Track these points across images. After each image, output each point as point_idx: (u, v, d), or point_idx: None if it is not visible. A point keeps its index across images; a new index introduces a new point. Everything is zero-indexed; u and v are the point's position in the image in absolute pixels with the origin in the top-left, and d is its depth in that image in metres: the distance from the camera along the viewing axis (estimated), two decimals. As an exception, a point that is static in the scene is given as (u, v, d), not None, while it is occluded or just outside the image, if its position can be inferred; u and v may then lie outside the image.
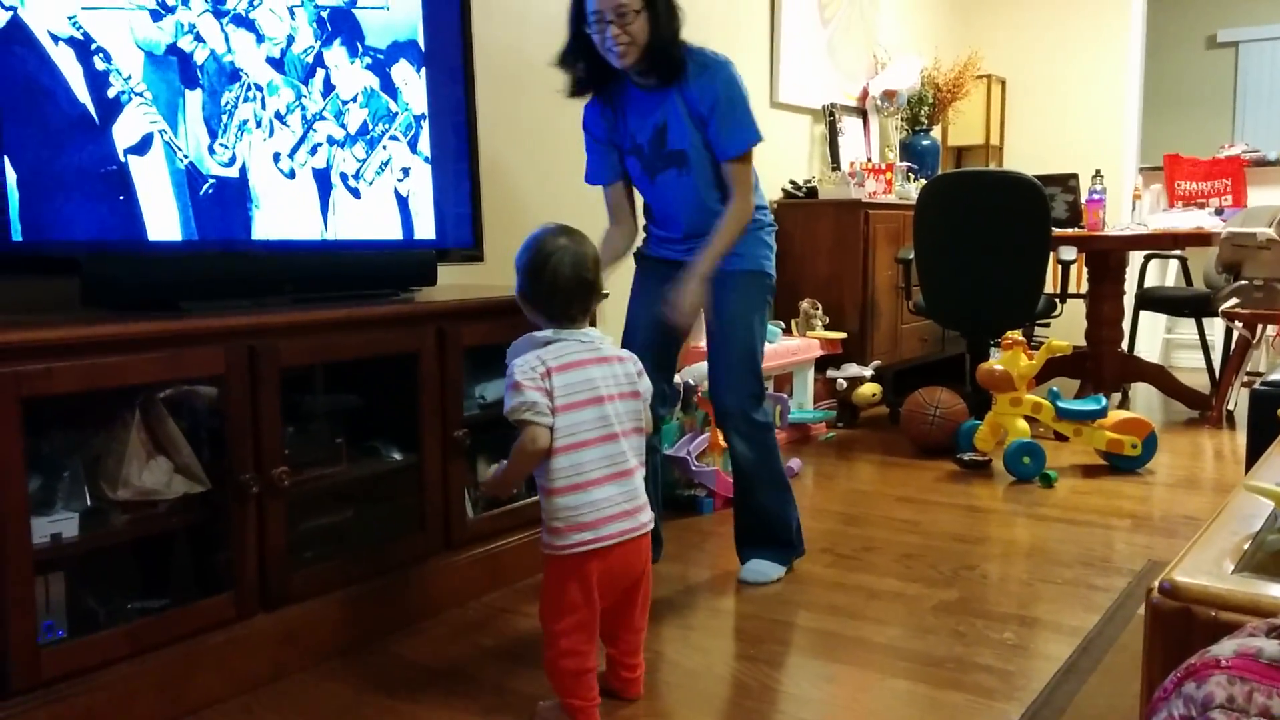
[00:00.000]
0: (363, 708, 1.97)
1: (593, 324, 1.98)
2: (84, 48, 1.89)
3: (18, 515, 1.68)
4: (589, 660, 1.84)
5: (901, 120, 5.76)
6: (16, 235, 1.84)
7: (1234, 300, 4.28)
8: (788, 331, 4.39)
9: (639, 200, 2.69)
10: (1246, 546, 1.29)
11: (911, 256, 4.27)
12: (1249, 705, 0.89)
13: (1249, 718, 0.89)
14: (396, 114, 2.46)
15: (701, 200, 2.52)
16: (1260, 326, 4.33)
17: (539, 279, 1.88)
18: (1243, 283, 4.29)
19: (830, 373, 4.47)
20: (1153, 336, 6.31)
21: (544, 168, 3.49)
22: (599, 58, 2.40)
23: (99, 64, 1.91)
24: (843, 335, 4.47)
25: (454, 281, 2.84)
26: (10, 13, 1.80)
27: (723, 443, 3.28)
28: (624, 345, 2.60)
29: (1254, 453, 2.15)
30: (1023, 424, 3.72)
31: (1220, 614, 1.10)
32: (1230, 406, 4.68)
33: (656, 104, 2.47)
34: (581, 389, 1.83)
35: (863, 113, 5.47)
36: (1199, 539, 1.33)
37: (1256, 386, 2.30)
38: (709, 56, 2.45)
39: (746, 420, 2.57)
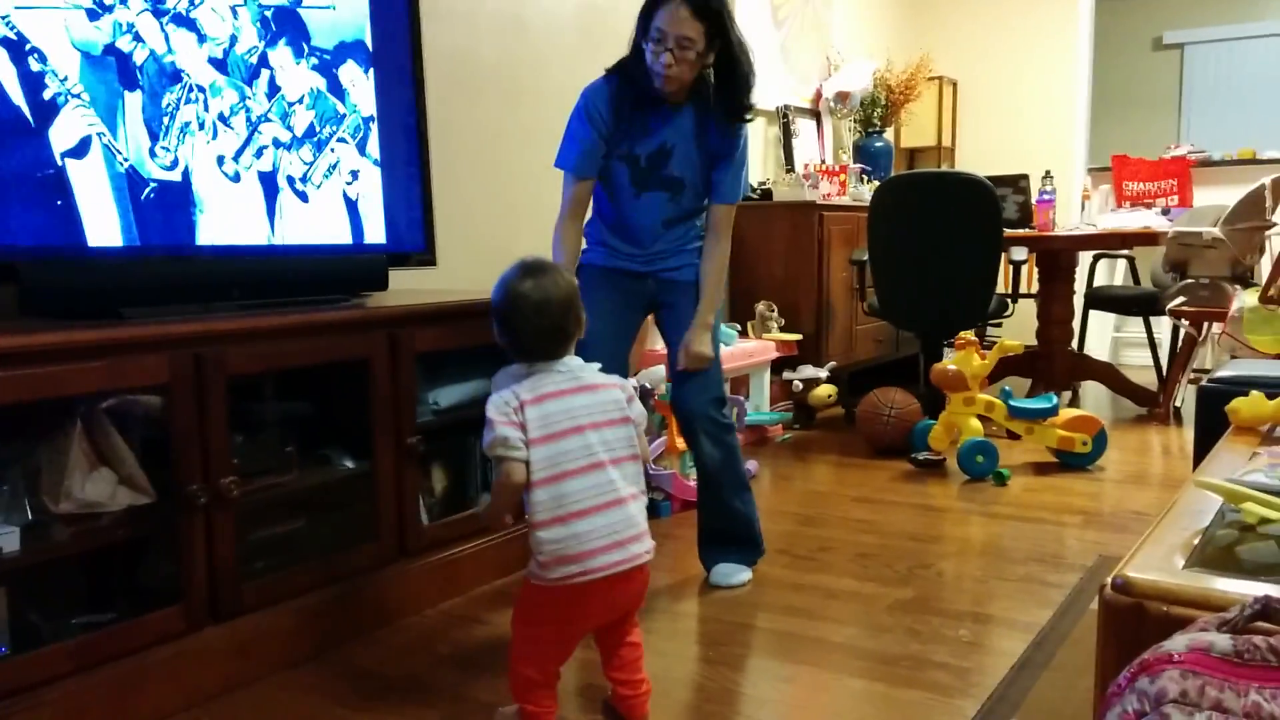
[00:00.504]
0: (318, 719, 1.94)
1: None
2: (18, 48, 1.84)
3: (-46, 530, 1.63)
4: (546, 675, 1.80)
5: (855, 122, 5.80)
6: (-48, 242, 1.79)
7: (1181, 299, 4.35)
8: (744, 334, 4.39)
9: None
10: (1196, 542, 1.30)
11: (866, 258, 4.29)
12: (1201, 699, 0.90)
13: (1202, 711, 0.89)
14: (344, 116, 2.43)
15: (676, 226, 2.55)
16: (1206, 324, 4.40)
17: (507, 326, 1.83)
18: (1189, 281, 4.36)
19: (786, 374, 4.48)
20: (1102, 335, 6.40)
21: (497, 171, 3.47)
22: (643, 67, 2.39)
23: (34, 65, 1.86)
24: (798, 337, 4.48)
25: (406, 286, 2.80)
26: (-58, 13, 1.75)
27: (680, 446, 3.28)
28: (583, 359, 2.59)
29: (1202, 448, 2.18)
30: (976, 423, 3.75)
31: (1172, 609, 1.11)
32: (1177, 403, 4.76)
33: (669, 123, 2.46)
34: (560, 419, 1.77)
35: (816, 114, 5.50)
36: (1150, 535, 1.33)
37: (1203, 383, 2.32)
38: None
39: (711, 421, 2.58)
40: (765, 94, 5.04)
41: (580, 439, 1.77)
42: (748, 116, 2.51)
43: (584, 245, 2.62)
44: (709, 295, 2.57)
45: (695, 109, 2.48)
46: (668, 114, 2.46)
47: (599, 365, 1.89)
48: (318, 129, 2.36)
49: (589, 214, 2.60)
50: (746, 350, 4.11)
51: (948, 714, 1.91)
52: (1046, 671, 2.07)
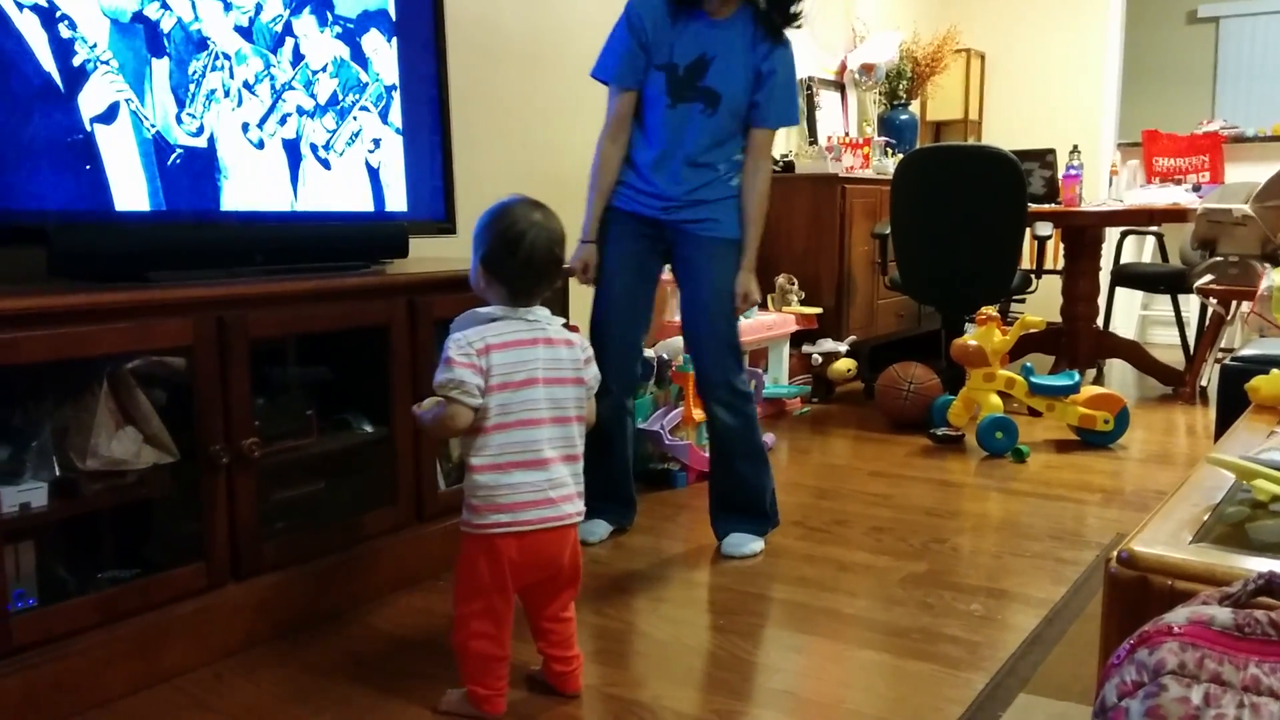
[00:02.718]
0: (335, 677, 1.98)
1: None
2: (49, 15, 1.86)
3: (-17, 485, 1.67)
4: (500, 647, 1.80)
5: (879, 94, 5.75)
6: (-17, 204, 1.82)
7: (1209, 276, 4.31)
8: (763, 306, 4.39)
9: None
10: (1206, 518, 1.30)
11: (888, 232, 4.28)
12: (1200, 671, 0.91)
13: (1200, 684, 0.90)
14: (367, 84, 2.44)
15: (707, 148, 2.49)
16: (1234, 303, 4.36)
17: (511, 255, 1.78)
18: (1218, 259, 4.31)
19: (806, 348, 4.48)
20: (1128, 313, 6.35)
21: (517, 140, 3.47)
22: None
23: (64, 31, 1.88)
24: (818, 310, 4.47)
25: (426, 254, 2.82)
26: (-28, -23, 1.77)
27: (697, 416, 3.29)
28: (601, 312, 2.60)
29: (1223, 427, 2.17)
30: (996, 399, 3.74)
31: (1176, 583, 1.12)
32: (1204, 383, 4.72)
33: (714, 35, 2.44)
34: (520, 369, 1.76)
35: (841, 86, 5.46)
36: (1160, 510, 1.34)
37: (1226, 362, 2.31)
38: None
39: (729, 389, 2.58)
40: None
41: (534, 392, 1.78)
42: (796, 23, 2.47)
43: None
44: (753, 235, 2.55)
45: (742, 22, 2.44)
46: (713, 25, 2.43)
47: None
48: (340, 97, 2.37)
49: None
50: (766, 323, 4.12)
51: (957, 686, 1.92)
52: (1058, 646, 2.08)
